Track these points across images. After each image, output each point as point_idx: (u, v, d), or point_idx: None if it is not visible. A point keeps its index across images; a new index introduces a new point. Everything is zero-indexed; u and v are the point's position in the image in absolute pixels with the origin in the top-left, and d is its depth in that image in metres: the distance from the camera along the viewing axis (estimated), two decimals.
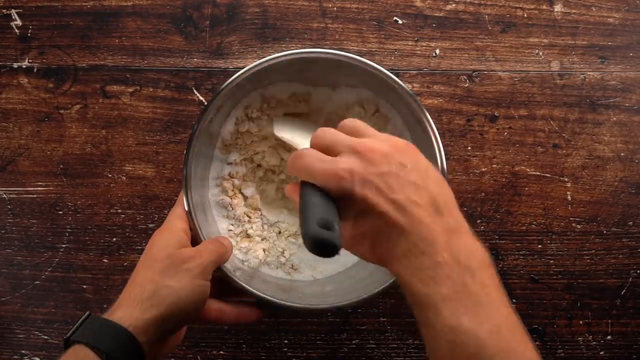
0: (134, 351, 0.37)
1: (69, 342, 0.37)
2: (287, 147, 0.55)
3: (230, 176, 0.53)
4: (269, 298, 0.46)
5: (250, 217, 0.53)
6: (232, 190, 0.53)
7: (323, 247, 0.30)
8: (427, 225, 0.33)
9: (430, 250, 0.32)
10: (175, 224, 0.45)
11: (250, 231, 0.53)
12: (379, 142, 0.35)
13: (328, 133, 0.37)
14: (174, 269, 0.41)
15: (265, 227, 0.54)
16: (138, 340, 0.37)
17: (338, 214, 0.34)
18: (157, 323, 0.38)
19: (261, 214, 0.54)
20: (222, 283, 0.46)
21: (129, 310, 0.38)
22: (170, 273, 0.40)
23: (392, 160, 0.34)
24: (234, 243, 0.51)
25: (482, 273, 0.32)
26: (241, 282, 0.46)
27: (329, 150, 0.36)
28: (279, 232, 0.54)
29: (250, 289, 0.46)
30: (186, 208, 0.46)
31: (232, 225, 0.52)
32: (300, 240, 0.54)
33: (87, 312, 0.39)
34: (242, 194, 0.53)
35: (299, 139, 0.48)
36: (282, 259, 0.53)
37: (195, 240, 0.46)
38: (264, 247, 0.53)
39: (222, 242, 0.46)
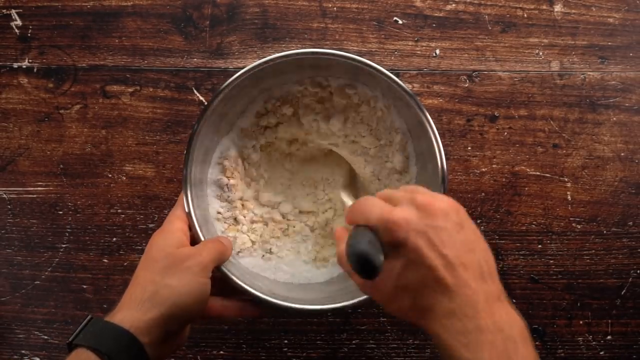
0: (137, 352, 0.37)
1: (71, 346, 0.37)
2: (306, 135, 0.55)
3: (234, 158, 0.53)
4: (269, 299, 0.46)
5: (243, 204, 0.53)
6: (232, 172, 0.53)
7: (367, 264, 0.31)
8: (473, 289, 0.33)
9: (473, 314, 0.32)
10: (174, 225, 0.45)
11: (239, 217, 0.53)
12: (439, 199, 0.35)
13: (392, 190, 0.38)
14: (174, 268, 0.41)
15: (257, 216, 0.54)
16: (140, 341, 0.37)
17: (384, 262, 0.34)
18: (159, 323, 0.38)
19: (255, 203, 0.54)
20: (223, 282, 0.46)
21: (130, 311, 0.38)
22: (170, 272, 0.40)
23: (449, 218, 0.35)
24: (222, 228, 0.51)
25: (523, 345, 0.33)
26: (241, 283, 0.46)
27: (389, 201, 0.37)
28: (267, 225, 0.54)
29: (251, 289, 0.46)
30: (186, 209, 0.46)
31: (222, 208, 0.52)
32: (294, 240, 0.54)
33: (89, 316, 0.39)
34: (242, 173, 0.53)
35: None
36: (270, 250, 0.53)
37: (195, 241, 0.46)
38: (252, 239, 0.53)
39: (222, 242, 0.46)
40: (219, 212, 0.52)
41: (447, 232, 0.34)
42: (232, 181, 0.52)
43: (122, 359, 0.36)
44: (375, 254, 0.32)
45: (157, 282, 0.40)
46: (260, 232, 0.54)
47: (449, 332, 0.33)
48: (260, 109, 0.53)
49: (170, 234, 0.44)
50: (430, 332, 0.34)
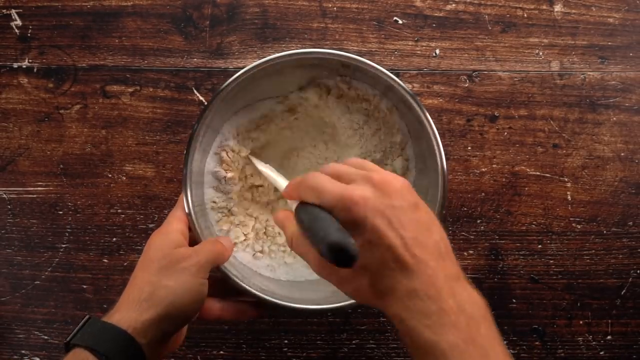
0: (134, 353, 0.37)
1: (69, 346, 0.37)
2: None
3: (232, 150, 0.52)
4: (269, 299, 0.46)
5: (239, 197, 0.53)
6: (229, 165, 0.52)
7: (344, 254, 0.30)
8: (432, 268, 0.33)
9: (435, 295, 0.32)
10: (172, 226, 0.45)
11: (234, 209, 0.52)
12: (393, 177, 0.35)
13: (339, 165, 0.37)
14: (171, 269, 0.41)
15: (251, 209, 0.54)
16: (138, 342, 0.37)
17: None
18: (156, 324, 0.38)
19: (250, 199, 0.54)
20: (223, 283, 0.46)
21: (128, 312, 0.38)
22: (167, 273, 0.40)
23: (405, 198, 0.34)
24: (216, 218, 0.51)
25: (485, 324, 0.32)
26: (241, 283, 0.46)
27: (340, 178, 0.35)
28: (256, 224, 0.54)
29: (251, 289, 0.46)
30: (186, 210, 0.46)
31: (218, 198, 0.52)
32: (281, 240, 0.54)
33: (87, 316, 0.39)
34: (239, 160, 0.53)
35: (281, 178, 0.48)
36: (261, 249, 0.53)
37: (195, 242, 0.46)
38: (244, 232, 0.53)
39: (222, 242, 0.46)
40: (213, 202, 0.52)
41: (404, 211, 0.33)
42: (229, 174, 0.52)
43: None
44: (350, 241, 0.30)
45: (154, 283, 0.40)
46: (252, 226, 0.54)
47: (412, 313, 0.32)
48: (262, 108, 0.53)
49: (168, 234, 0.44)
50: (391, 314, 0.33)
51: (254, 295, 0.46)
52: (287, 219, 0.39)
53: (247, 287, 0.46)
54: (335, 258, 0.30)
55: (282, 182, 0.47)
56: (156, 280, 0.40)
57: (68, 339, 0.37)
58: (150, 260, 0.42)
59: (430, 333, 0.31)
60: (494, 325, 0.33)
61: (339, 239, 0.30)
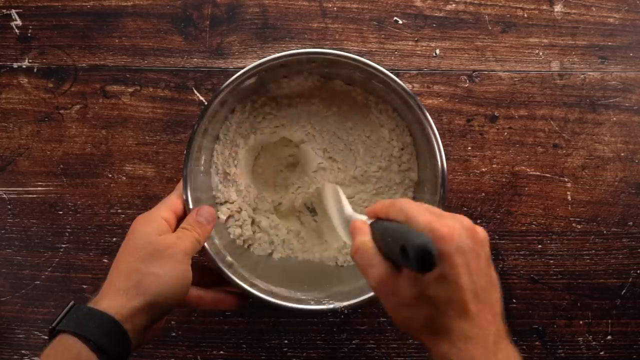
0: (119, 338, 0.37)
1: (54, 332, 0.37)
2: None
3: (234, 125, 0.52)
4: (268, 299, 0.46)
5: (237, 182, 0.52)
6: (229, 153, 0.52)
7: (429, 257, 0.30)
8: (488, 322, 0.34)
9: (487, 346, 0.33)
10: (159, 211, 0.45)
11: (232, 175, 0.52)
12: (480, 227, 0.36)
13: (427, 204, 0.38)
14: (157, 256, 0.41)
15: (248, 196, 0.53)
16: (124, 328, 0.37)
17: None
18: (143, 311, 0.39)
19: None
20: (206, 272, 0.46)
21: (115, 298, 0.38)
22: (154, 260, 0.40)
23: (485, 250, 0.35)
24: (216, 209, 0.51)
25: None
26: (238, 281, 0.46)
27: (429, 211, 0.36)
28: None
29: (249, 288, 0.46)
30: (185, 211, 0.46)
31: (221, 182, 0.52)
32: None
33: (72, 302, 0.39)
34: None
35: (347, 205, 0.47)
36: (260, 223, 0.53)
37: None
38: (240, 205, 0.52)
39: (201, 220, 0.45)
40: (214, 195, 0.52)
41: (481, 261, 0.34)
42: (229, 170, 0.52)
43: (105, 345, 0.36)
44: (434, 246, 0.31)
45: (142, 270, 0.40)
46: (252, 197, 0.53)
47: (462, 357, 0.33)
48: (260, 109, 0.53)
49: (153, 221, 0.44)
50: (439, 353, 0.34)
51: (254, 296, 0.46)
52: (362, 228, 0.39)
53: (244, 285, 0.46)
54: (419, 260, 0.30)
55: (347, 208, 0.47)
56: (144, 267, 0.40)
57: (53, 324, 0.37)
58: (135, 246, 0.41)
59: None
60: None
61: (426, 242, 0.30)
